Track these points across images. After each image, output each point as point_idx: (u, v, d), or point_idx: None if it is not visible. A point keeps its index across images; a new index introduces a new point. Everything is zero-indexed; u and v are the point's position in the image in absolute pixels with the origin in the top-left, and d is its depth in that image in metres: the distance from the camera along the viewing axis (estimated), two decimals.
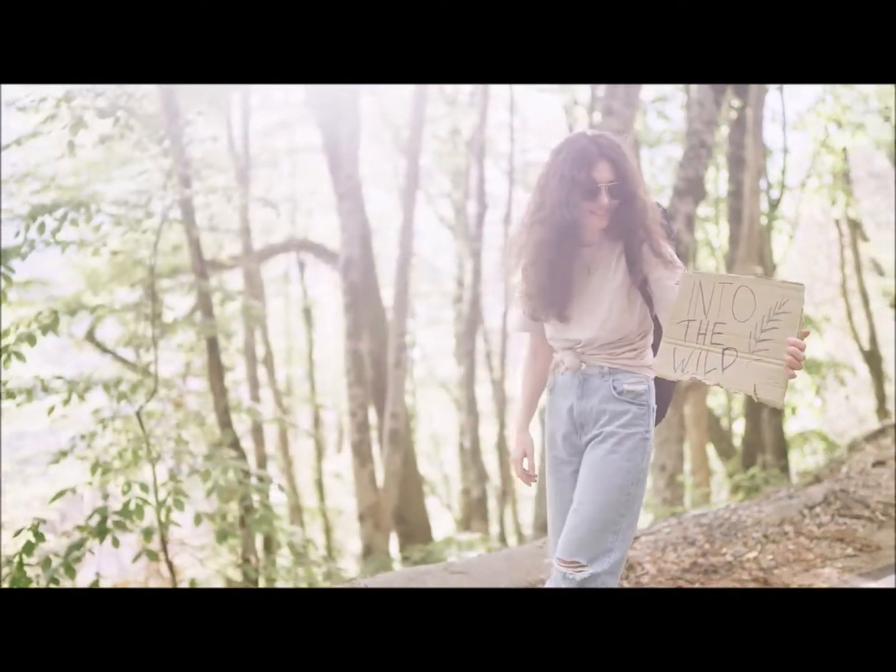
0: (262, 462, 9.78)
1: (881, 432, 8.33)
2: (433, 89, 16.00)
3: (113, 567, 8.06)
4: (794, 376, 2.22)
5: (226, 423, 7.02)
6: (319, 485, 17.69)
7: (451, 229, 17.16)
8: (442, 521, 18.50)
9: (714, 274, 2.39)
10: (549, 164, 2.45)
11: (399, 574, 3.66)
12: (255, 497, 6.15)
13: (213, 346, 7.05)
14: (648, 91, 16.38)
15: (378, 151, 18.51)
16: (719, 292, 2.33)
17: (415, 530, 11.93)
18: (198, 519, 5.79)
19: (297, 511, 14.26)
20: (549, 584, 2.51)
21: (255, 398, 9.34)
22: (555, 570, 2.45)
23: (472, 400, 12.20)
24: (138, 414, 5.76)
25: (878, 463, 7.16)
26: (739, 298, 2.30)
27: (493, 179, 15.80)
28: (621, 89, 7.03)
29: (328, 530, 17.08)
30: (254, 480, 6.06)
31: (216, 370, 7.08)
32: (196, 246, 7.12)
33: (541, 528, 7.39)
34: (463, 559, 3.91)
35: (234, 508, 6.67)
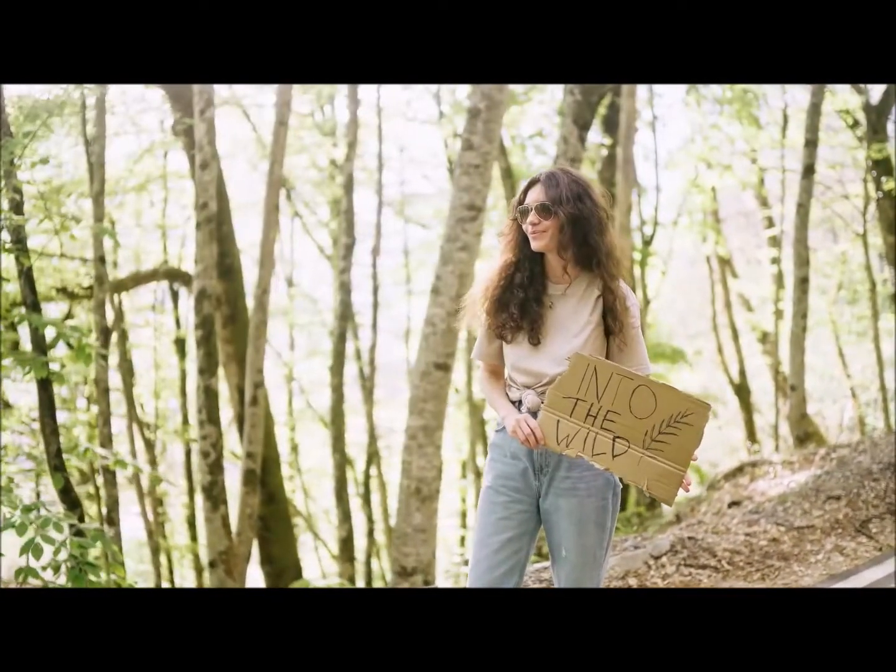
0: (113, 504, 9.20)
1: (739, 470, 8.43)
2: (307, 118, 15.77)
3: None
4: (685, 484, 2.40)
5: (57, 467, 6.53)
6: (192, 523, 17.02)
7: (329, 259, 16.88)
8: (321, 555, 18.07)
9: (613, 364, 2.36)
10: None
11: None
12: (82, 551, 5.71)
13: (44, 384, 6.56)
14: (526, 128, 16.58)
15: (258, 180, 18.14)
16: (616, 383, 2.33)
17: (283, 570, 11.52)
18: (19, 573, 5.37)
19: (156, 552, 13.66)
20: None
21: (107, 436, 8.81)
22: None
23: (339, 437, 11.83)
24: None
25: (734, 503, 7.20)
26: (639, 395, 2.31)
27: (373, 210, 15.56)
28: (480, 124, 6.90)
29: (200, 569, 16.44)
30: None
31: (46, 409, 6.59)
32: (28, 277, 6.63)
33: (398, 573, 7.11)
34: None
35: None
